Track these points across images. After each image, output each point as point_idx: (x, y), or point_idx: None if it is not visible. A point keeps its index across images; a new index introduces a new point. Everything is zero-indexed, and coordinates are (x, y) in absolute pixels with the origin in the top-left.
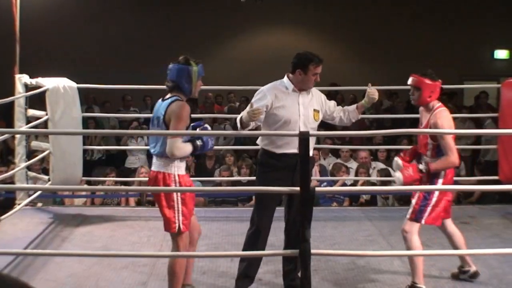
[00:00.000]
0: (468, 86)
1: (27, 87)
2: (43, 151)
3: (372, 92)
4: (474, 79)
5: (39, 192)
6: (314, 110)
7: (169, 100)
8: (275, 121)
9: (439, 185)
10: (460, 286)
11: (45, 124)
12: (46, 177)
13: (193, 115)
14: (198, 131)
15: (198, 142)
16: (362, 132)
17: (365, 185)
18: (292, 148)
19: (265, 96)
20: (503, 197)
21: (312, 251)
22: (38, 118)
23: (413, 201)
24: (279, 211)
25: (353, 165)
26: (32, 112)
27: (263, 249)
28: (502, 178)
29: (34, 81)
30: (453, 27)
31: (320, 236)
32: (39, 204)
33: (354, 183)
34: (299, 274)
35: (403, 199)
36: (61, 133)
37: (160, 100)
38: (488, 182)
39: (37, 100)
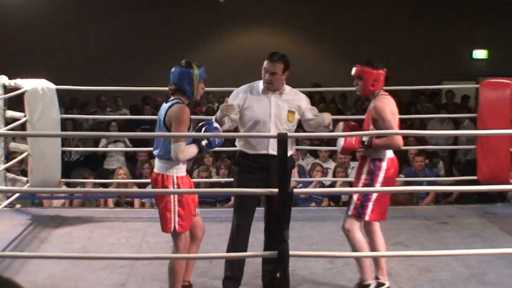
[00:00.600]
0: (447, 87)
1: (6, 89)
2: (22, 153)
3: (322, 118)
4: (453, 79)
5: (17, 194)
6: (289, 111)
7: (170, 103)
8: (245, 122)
9: (379, 181)
10: (439, 286)
11: (23, 126)
12: (24, 179)
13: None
14: (193, 133)
15: (204, 142)
16: (341, 133)
17: (344, 185)
18: (263, 149)
19: (237, 95)
20: (482, 197)
21: (291, 252)
22: (16, 119)
23: (354, 196)
24: (260, 212)
25: (331, 165)
26: (10, 113)
27: (245, 250)
28: (481, 178)
29: (12, 83)
30: (432, 27)
31: (299, 236)
32: (18, 206)
33: (333, 184)
34: (278, 275)
35: (392, 198)
36: (40, 135)
37: (164, 103)
38: (467, 182)
39: (16, 102)
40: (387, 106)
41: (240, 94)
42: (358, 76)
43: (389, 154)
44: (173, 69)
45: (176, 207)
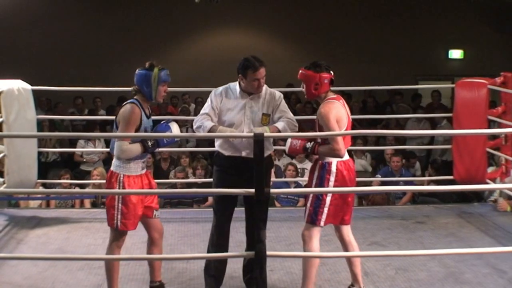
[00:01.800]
0: (422, 86)
1: None
2: None
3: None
4: (429, 78)
5: None
6: (264, 114)
7: (124, 104)
8: (222, 124)
9: (330, 185)
10: (416, 286)
11: None
12: (1, 180)
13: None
14: (146, 133)
15: (149, 142)
16: (318, 133)
17: None
18: (237, 152)
19: (211, 101)
20: (458, 197)
21: (268, 252)
22: None
23: (308, 203)
24: (240, 212)
25: (307, 165)
26: None
27: (226, 249)
28: (457, 178)
29: None
30: (408, 27)
31: (276, 236)
32: None
33: None
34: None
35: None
36: (15, 136)
37: None
38: (443, 182)
39: None
40: (331, 112)
41: (213, 100)
42: (300, 79)
43: (343, 158)
44: (136, 71)
45: (120, 205)
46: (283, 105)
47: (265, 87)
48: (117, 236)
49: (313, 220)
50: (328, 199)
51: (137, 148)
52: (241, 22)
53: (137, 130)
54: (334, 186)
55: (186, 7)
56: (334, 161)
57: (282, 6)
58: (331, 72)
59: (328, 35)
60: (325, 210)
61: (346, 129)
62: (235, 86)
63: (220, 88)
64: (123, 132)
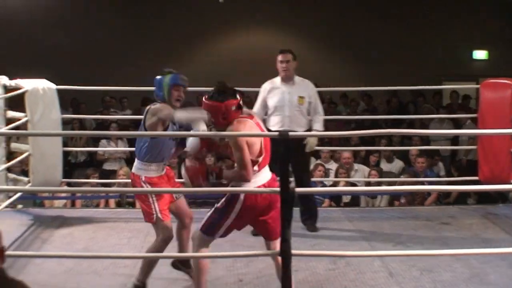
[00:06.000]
0: (447, 87)
1: (6, 89)
2: (23, 153)
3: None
4: (453, 79)
5: (19, 194)
6: (299, 96)
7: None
8: (269, 107)
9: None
10: (441, 286)
11: (24, 126)
12: (26, 179)
13: None
14: (169, 132)
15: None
16: (345, 132)
17: (346, 186)
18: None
19: (263, 89)
20: (483, 198)
21: (293, 251)
22: (17, 119)
23: (209, 213)
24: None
25: (333, 166)
26: (11, 113)
27: None
28: (482, 178)
29: (13, 83)
30: (433, 28)
31: (301, 236)
32: (19, 206)
33: (334, 184)
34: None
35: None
36: (39, 135)
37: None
38: (467, 182)
39: (17, 102)
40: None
41: (265, 88)
42: (206, 110)
43: (258, 181)
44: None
45: (154, 199)
46: (316, 96)
47: (298, 77)
48: (162, 227)
49: (207, 230)
50: (230, 221)
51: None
52: (262, 22)
53: (165, 130)
54: (238, 214)
55: (208, 7)
56: (244, 186)
57: (304, 6)
58: (237, 95)
59: (352, 36)
60: (223, 228)
61: (264, 147)
62: (277, 78)
63: (267, 82)
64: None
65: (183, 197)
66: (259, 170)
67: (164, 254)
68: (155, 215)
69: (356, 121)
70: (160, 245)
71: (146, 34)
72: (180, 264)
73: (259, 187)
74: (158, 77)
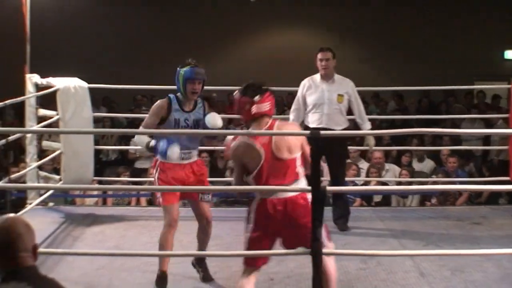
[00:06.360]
0: (479, 87)
1: (38, 87)
2: (54, 151)
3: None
4: (485, 79)
5: (50, 192)
6: (338, 95)
7: None
8: (308, 104)
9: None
10: (472, 287)
11: (56, 124)
12: (57, 177)
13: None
14: (180, 129)
15: (152, 143)
16: (374, 131)
17: (377, 186)
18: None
19: (302, 85)
20: None
21: (324, 250)
22: (49, 117)
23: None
24: None
25: (363, 165)
26: (43, 111)
27: None
28: None
29: (45, 81)
30: (464, 28)
31: (332, 235)
32: (50, 204)
33: (365, 184)
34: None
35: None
36: (71, 132)
37: None
38: (499, 182)
39: (48, 100)
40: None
41: (299, 89)
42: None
43: (266, 195)
44: None
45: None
46: (356, 95)
47: (338, 75)
48: (165, 215)
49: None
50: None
51: (144, 139)
52: (295, 21)
53: (163, 121)
54: (254, 225)
55: (241, 7)
56: (256, 198)
57: (339, 5)
58: (258, 96)
59: (385, 36)
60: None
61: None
62: (317, 76)
63: (306, 78)
64: (145, 121)
65: (206, 200)
66: (256, 184)
67: (185, 252)
68: (158, 198)
69: (387, 121)
70: (164, 231)
71: (178, 34)
72: (196, 262)
73: (261, 200)
74: (178, 68)
